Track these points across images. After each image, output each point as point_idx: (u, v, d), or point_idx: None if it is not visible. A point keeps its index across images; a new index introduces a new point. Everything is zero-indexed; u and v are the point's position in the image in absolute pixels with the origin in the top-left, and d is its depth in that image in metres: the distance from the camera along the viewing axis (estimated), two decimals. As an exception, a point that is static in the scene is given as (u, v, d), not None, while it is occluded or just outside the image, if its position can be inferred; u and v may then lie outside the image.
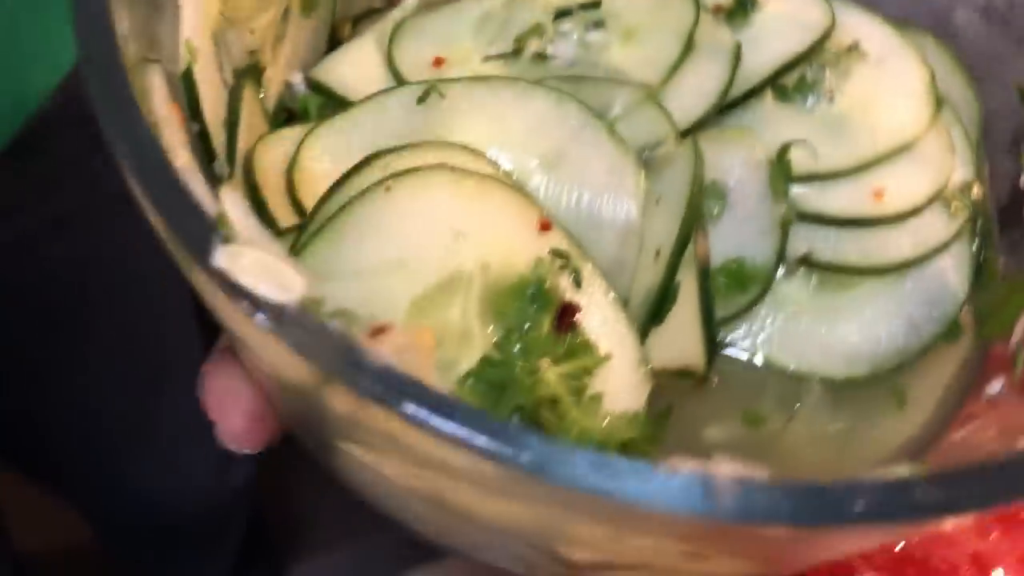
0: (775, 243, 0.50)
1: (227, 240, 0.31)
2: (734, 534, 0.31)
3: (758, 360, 0.50)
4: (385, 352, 0.29)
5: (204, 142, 0.45)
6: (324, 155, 0.48)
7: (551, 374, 0.39)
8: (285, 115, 0.53)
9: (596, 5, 0.55)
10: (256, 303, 0.30)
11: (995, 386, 0.48)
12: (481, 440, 0.28)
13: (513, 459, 0.28)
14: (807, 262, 0.51)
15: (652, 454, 0.41)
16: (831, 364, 0.50)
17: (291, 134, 0.49)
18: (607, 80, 0.52)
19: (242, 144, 0.48)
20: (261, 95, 0.52)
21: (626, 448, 0.40)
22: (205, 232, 0.30)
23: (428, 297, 0.41)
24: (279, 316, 0.30)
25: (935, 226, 0.52)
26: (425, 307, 0.41)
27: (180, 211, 0.31)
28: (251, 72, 0.51)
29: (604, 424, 0.40)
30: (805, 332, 0.50)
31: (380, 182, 0.42)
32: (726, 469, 0.29)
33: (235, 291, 0.30)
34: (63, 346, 1.02)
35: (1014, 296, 0.50)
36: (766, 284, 0.49)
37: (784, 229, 0.50)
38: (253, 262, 0.30)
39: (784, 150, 0.51)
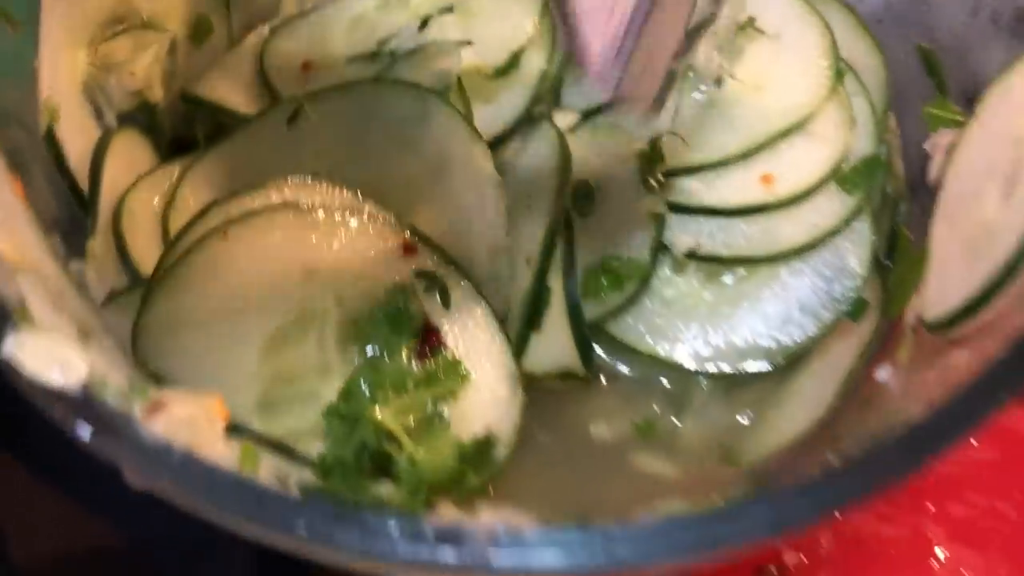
0: (649, 237, 0.49)
1: (17, 327, 0.32)
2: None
3: (653, 358, 0.50)
4: (158, 427, 0.31)
5: (77, 196, 0.47)
6: (204, 188, 0.49)
7: (385, 414, 0.40)
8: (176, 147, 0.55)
9: (450, 9, 0.54)
10: (39, 388, 0.31)
11: (883, 372, 0.47)
12: (230, 506, 0.29)
13: (259, 519, 0.29)
14: (695, 256, 0.50)
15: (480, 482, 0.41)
16: (728, 359, 0.50)
17: (171, 171, 0.51)
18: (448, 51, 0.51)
19: (122, 188, 0.49)
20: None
21: (457, 479, 0.40)
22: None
23: (280, 335, 0.43)
24: (61, 399, 0.31)
25: (830, 207, 0.51)
26: (278, 345, 0.43)
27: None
28: (140, 111, 0.53)
29: (441, 462, 0.40)
30: (700, 327, 0.50)
31: (217, 229, 0.43)
32: (486, 518, 0.30)
33: (23, 379, 0.31)
34: None
35: (912, 271, 0.49)
36: (644, 278, 0.49)
37: (657, 222, 0.49)
38: (39, 349, 0.32)
39: (653, 144, 0.50)
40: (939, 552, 0.55)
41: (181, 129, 0.55)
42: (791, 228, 0.50)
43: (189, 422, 0.32)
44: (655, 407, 0.49)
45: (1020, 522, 0.56)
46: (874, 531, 0.57)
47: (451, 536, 0.29)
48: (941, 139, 0.49)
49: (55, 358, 0.32)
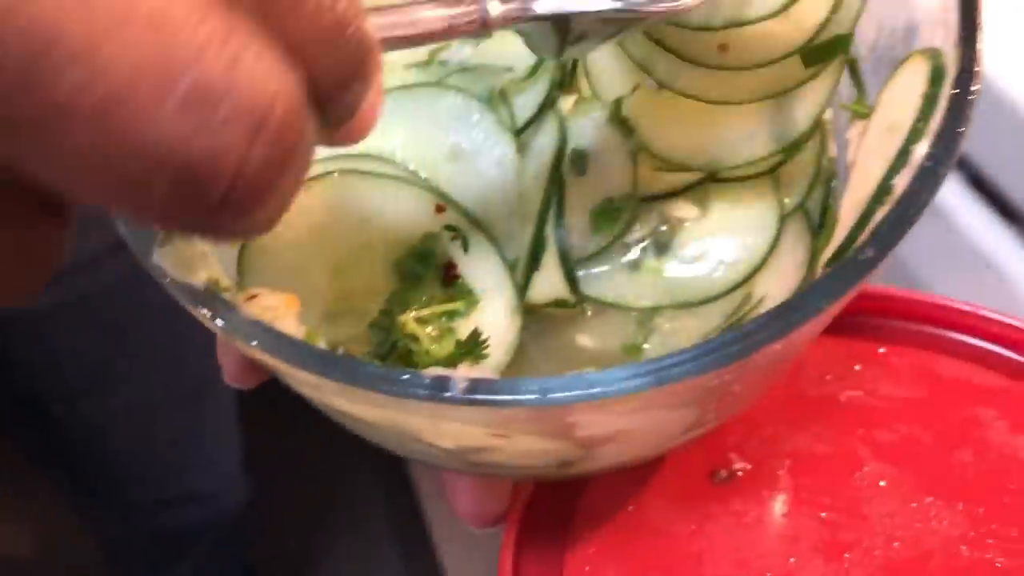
0: (631, 173, 0.63)
1: (163, 243, 0.48)
2: (492, 416, 0.47)
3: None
4: (251, 311, 0.47)
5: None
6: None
7: (408, 319, 0.56)
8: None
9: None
10: (175, 284, 0.47)
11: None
12: (303, 360, 0.45)
13: (321, 372, 0.44)
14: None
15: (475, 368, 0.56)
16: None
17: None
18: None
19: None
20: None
21: (454, 361, 0.56)
22: (147, 237, 0.48)
23: (342, 264, 0.59)
24: (188, 291, 0.47)
25: (788, 74, 0.61)
26: (343, 268, 0.59)
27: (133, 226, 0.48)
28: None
29: (447, 352, 0.56)
30: None
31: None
32: (461, 372, 0.45)
33: (164, 277, 0.48)
34: (121, 355, 1.24)
35: (828, 233, 0.63)
36: (633, 210, 0.63)
37: (634, 157, 0.63)
38: (177, 257, 0.48)
39: (616, 105, 0.63)
40: (863, 468, 0.69)
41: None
42: (746, 81, 0.61)
43: (272, 309, 0.48)
44: (629, 330, 0.64)
45: (933, 447, 0.70)
46: (810, 449, 0.71)
47: (440, 381, 0.44)
48: (856, 129, 0.63)
49: (187, 265, 0.48)
